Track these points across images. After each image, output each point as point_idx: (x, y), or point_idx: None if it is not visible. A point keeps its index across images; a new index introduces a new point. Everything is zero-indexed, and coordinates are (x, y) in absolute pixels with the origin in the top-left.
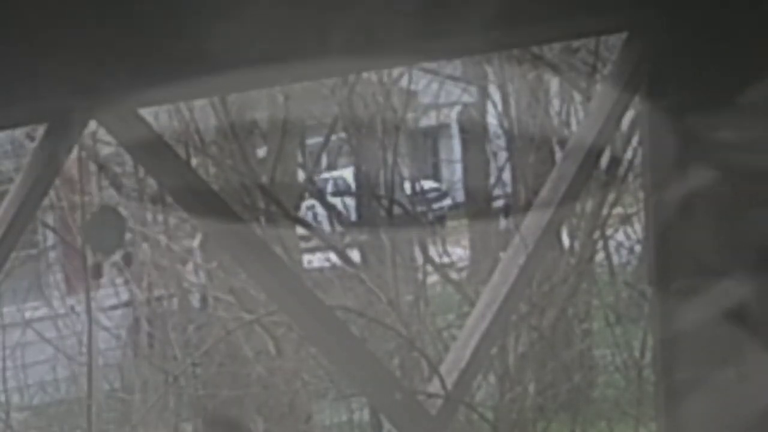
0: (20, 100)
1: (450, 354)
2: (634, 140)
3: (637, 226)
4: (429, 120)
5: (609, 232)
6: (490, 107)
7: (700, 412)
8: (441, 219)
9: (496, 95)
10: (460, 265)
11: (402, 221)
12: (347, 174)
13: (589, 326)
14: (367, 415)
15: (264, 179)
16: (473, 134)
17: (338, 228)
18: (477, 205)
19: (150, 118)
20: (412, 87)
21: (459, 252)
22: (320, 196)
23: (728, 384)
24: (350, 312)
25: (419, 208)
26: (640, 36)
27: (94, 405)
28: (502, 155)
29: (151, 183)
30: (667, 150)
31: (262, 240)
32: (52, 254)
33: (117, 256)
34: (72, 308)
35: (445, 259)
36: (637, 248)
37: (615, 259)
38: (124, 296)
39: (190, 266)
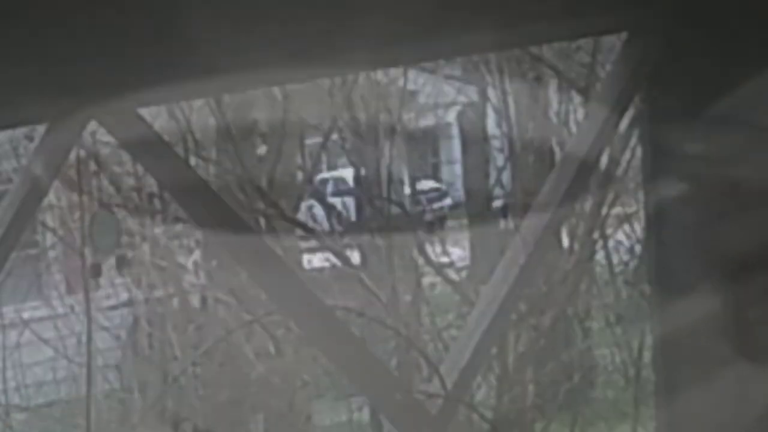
0: (20, 100)
1: (450, 354)
2: (633, 140)
3: (637, 226)
4: (428, 120)
5: (609, 231)
6: (489, 108)
7: (699, 412)
8: (441, 219)
9: (495, 95)
10: (460, 265)
11: (402, 221)
12: (347, 174)
13: (589, 326)
14: (367, 415)
15: (263, 179)
16: (473, 134)
17: (338, 228)
18: (477, 205)
19: (149, 118)
20: (411, 87)
21: (459, 252)
22: (319, 196)
23: (728, 384)
24: (350, 312)
25: (419, 208)
26: (640, 36)
27: (93, 405)
28: (502, 155)
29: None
30: (667, 150)
31: (261, 240)
32: (51, 254)
33: (112, 259)
34: (71, 308)
35: (445, 259)
36: (637, 248)
37: (615, 258)
38: (124, 296)
39: (190, 266)
